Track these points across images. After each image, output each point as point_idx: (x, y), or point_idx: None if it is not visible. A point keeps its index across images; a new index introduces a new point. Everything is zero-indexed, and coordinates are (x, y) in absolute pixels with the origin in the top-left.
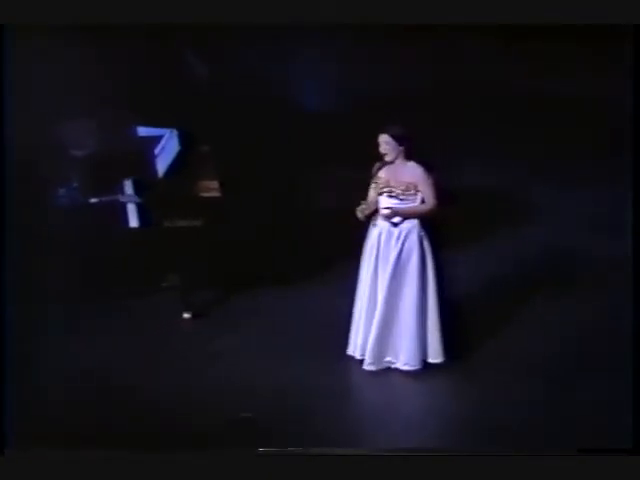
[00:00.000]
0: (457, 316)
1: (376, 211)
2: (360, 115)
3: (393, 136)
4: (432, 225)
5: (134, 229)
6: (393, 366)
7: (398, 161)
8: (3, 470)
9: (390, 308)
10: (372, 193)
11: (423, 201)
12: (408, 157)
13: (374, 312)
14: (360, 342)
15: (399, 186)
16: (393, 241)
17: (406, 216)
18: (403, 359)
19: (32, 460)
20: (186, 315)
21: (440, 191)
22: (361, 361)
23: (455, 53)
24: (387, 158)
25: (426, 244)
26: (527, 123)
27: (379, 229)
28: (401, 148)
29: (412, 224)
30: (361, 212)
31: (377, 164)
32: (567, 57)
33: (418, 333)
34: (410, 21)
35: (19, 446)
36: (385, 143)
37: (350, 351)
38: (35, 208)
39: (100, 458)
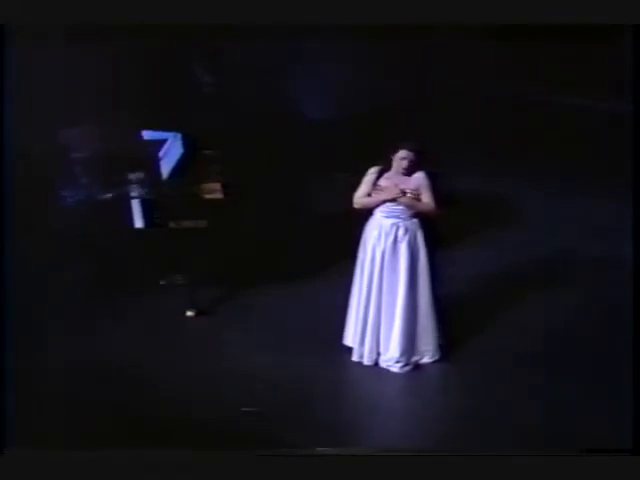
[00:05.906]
0: (458, 314)
1: (370, 211)
2: (361, 119)
3: (413, 151)
4: (436, 226)
5: (139, 230)
6: (421, 362)
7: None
8: (3, 470)
9: (410, 307)
10: (371, 199)
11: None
12: (419, 168)
13: (392, 313)
14: (368, 344)
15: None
16: (402, 243)
17: (410, 208)
18: (429, 353)
19: (32, 460)
20: (189, 313)
21: (440, 197)
22: (376, 363)
23: (453, 55)
24: (407, 172)
25: (428, 244)
26: (527, 123)
27: (378, 229)
28: (417, 160)
29: (413, 223)
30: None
31: (373, 170)
32: (566, 58)
33: (436, 325)
34: (410, 22)
35: (19, 446)
36: (407, 158)
37: (357, 354)
38: (36, 209)
39: (100, 458)
